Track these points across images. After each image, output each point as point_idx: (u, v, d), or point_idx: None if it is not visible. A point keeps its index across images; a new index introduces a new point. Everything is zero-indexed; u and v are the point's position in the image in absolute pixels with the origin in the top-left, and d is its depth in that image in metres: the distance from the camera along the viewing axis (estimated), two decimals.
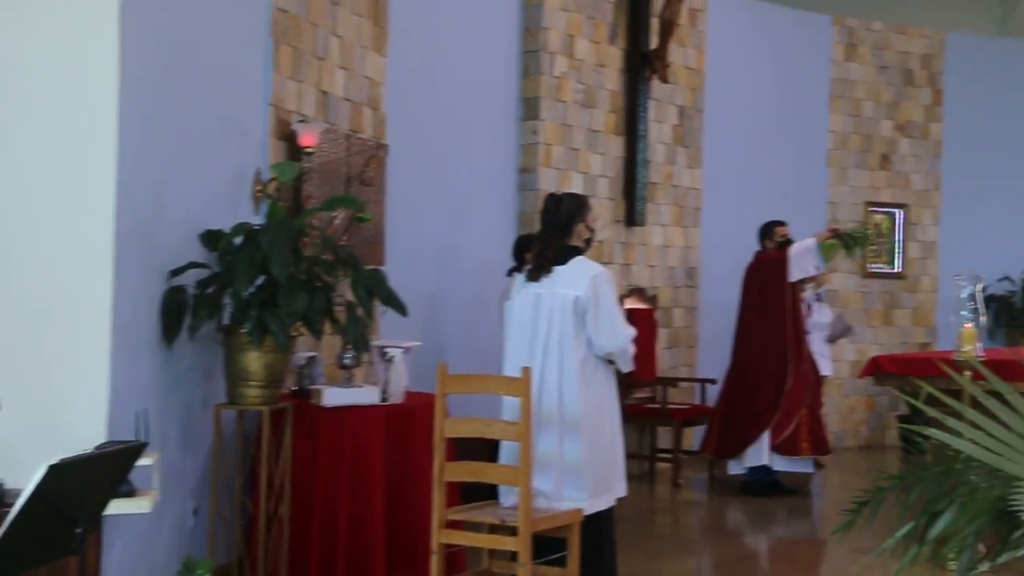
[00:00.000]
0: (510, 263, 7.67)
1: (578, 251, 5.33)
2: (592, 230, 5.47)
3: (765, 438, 8.74)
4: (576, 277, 5.21)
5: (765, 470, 8.84)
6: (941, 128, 12.35)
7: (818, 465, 10.08)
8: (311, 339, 5.37)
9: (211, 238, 5.03)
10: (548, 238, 5.31)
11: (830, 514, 8.47)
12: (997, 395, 3.10)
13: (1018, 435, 2.79)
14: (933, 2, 14.46)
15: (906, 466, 10.48)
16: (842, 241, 8.94)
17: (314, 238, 5.32)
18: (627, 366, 5.31)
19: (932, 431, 3.25)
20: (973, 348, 6.05)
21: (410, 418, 5.61)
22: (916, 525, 3.21)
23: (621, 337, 5.20)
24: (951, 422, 3.13)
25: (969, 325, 6.09)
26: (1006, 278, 12.48)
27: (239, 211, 5.46)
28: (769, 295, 8.81)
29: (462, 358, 7.61)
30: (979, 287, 6.16)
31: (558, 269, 5.26)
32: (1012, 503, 2.58)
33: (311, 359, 5.87)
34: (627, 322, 5.38)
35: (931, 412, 3.25)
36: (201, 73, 4.98)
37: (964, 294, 6.20)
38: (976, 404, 3.39)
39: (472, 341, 8.06)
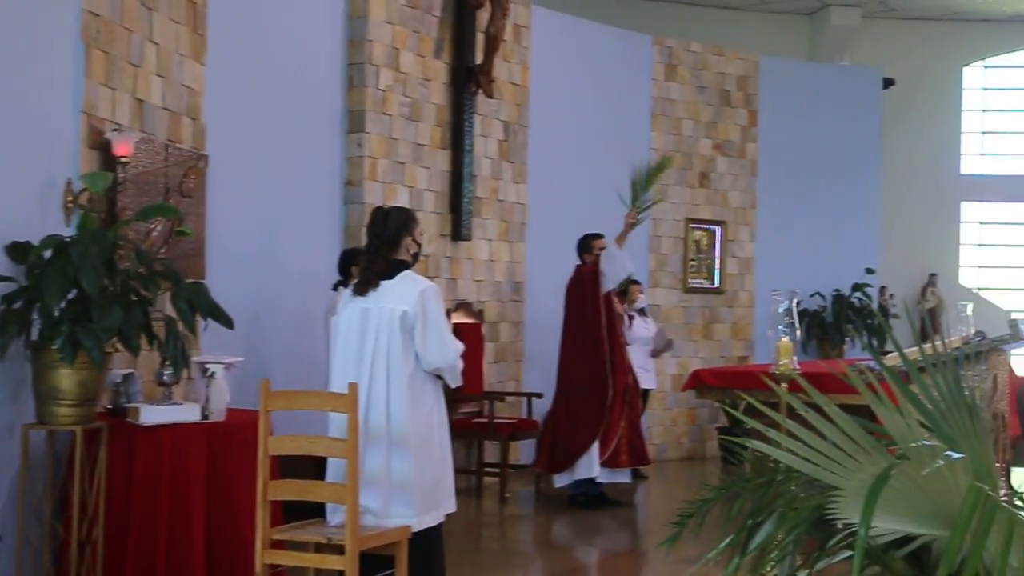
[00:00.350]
0: (336, 277, 7.59)
1: (405, 265, 5.30)
2: (419, 244, 5.44)
3: (594, 451, 8.85)
4: (404, 291, 5.17)
5: (590, 483, 8.95)
6: (756, 148, 12.79)
7: (640, 476, 10.28)
8: (127, 356, 5.18)
9: (18, 251, 4.81)
10: (375, 252, 5.26)
11: (654, 525, 8.63)
12: (815, 407, 3.19)
13: (834, 446, 2.88)
14: (747, 26, 15.02)
15: (726, 477, 10.77)
16: (634, 190, 9.06)
17: (128, 250, 5.14)
18: (455, 381, 5.29)
19: (753, 443, 3.32)
20: (790, 361, 6.25)
21: (232, 436, 5.47)
22: (738, 535, 3.27)
23: (449, 352, 5.19)
24: (771, 433, 3.20)
25: (785, 339, 6.28)
26: (817, 293, 13.02)
27: (48, 223, 5.23)
28: (588, 309, 8.95)
29: (287, 374, 7.50)
30: (794, 302, 6.37)
31: (385, 283, 5.21)
32: (829, 512, 2.66)
33: (127, 376, 5.65)
34: (455, 337, 5.37)
35: (751, 423, 3.33)
36: (6, 76, 4.75)
37: (780, 309, 6.40)
38: (794, 415, 3.48)
39: (297, 357, 7.93)
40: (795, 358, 6.35)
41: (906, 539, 2.65)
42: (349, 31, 8.69)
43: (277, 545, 4.86)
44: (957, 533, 2.25)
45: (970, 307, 7.45)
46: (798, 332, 6.34)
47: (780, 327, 6.37)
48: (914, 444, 2.72)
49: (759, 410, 5.36)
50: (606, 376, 8.87)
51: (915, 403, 2.88)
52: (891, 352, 13.56)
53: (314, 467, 5.62)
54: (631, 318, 10.10)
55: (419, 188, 9.21)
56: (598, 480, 8.94)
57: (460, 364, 5.26)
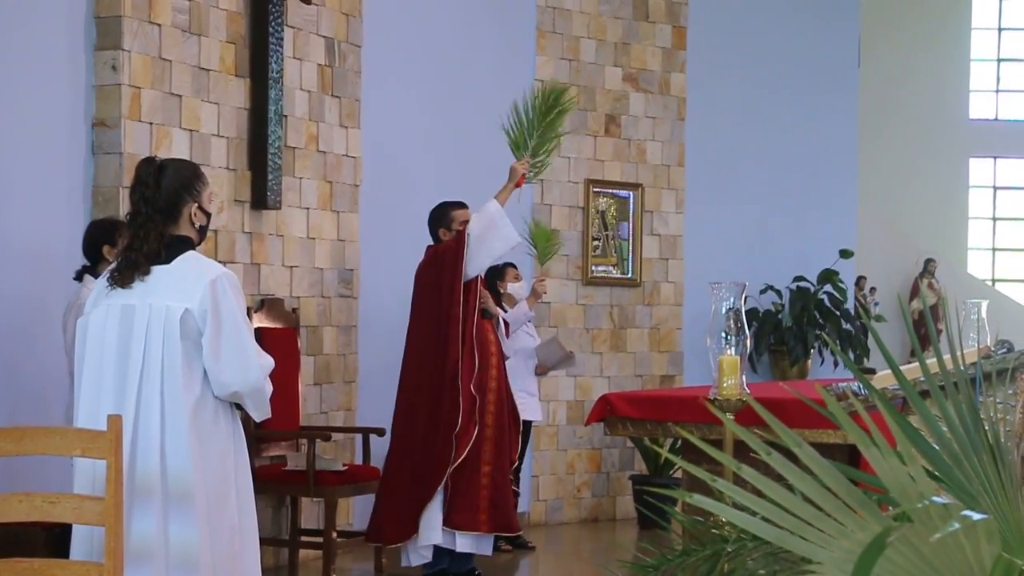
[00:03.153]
0: (81, 261, 7.49)
1: (188, 244, 5.27)
2: (208, 214, 5.41)
3: (434, 506, 8.84)
4: (186, 282, 5.14)
5: (460, 558, 8.98)
6: (685, 80, 12.95)
7: (522, 546, 10.35)
8: None
9: None
10: (144, 224, 5.20)
11: None
12: (779, 448, 3.24)
13: (808, 502, 2.92)
14: None
15: (649, 546, 10.89)
16: (523, 127, 9.18)
17: None
18: (262, 412, 5.28)
19: (692, 497, 3.32)
20: (737, 382, 6.33)
21: None
22: None
23: (253, 370, 5.17)
24: (718, 484, 3.22)
25: (731, 352, 6.37)
26: (769, 288, 13.26)
27: None
28: (443, 302, 8.94)
29: (5, 402, 7.37)
30: (743, 299, 6.45)
31: (159, 270, 5.17)
32: None
33: None
34: (260, 348, 5.35)
35: (690, 469, 3.35)
36: None
37: (724, 309, 6.47)
38: (749, 459, 3.51)
39: (18, 378, 7.84)
40: (744, 378, 6.45)
41: None
42: None
43: None
44: None
45: (984, 306, 7.66)
46: (748, 342, 6.43)
47: (723, 334, 6.46)
48: (921, 502, 2.78)
49: (700, 449, 5.44)
50: (457, 396, 8.84)
51: (918, 442, 2.95)
52: (880, 371, 13.87)
53: (45, 536, 5.51)
54: (507, 324, 10.12)
55: (204, 132, 9.10)
56: (457, 549, 8.94)
57: (269, 388, 5.25)
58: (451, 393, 8.88)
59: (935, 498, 2.78)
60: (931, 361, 3.13)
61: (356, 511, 10.18)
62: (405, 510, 8.92)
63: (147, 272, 5.17)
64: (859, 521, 2.78)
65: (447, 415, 8.86)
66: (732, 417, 6.37)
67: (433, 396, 8.93)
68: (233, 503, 5.21)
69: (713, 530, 3.47)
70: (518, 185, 9.10)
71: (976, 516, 2.63)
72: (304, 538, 9.53)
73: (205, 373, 5.13)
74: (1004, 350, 5.65)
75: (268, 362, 5.27)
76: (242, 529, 5.25)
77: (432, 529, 8.86)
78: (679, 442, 11.60)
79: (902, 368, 3.41)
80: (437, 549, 8.93)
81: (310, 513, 9.71)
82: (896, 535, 2.56)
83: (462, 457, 8.82)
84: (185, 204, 5.27)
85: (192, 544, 5.04)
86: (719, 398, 6.40)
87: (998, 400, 5.27)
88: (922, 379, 4.10)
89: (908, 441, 2.94)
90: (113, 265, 5.34)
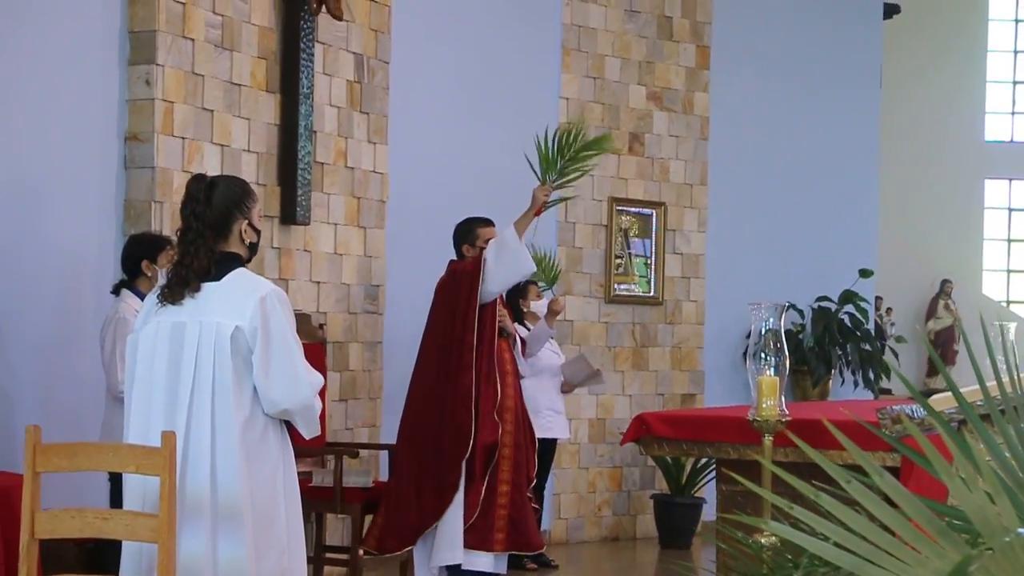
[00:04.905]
0: (113, 275, 7.49)
1: (239, 261, 5.26)
2: (258, 231, 5.44)
3: (453, 524, 8.80)
4: (236, 299, 5.13)
5: (453, 571, 8.93)
6: (708, 99, 12.95)
7: (546, 565, 10.33)
8: None
9: None
10: (195, 241, 5.20)
11: None
12: (856, 470, 3.21)
13: (884, 529, 2.91)
14: None
15: (672, 566, 10.89)
16: (548, 156, 8.99)
17: None
18: (311, 430, 5.27)
19: (772, 524, 3.29)
20: (776, 403, 6.33)
21: None
22: None
23: (303, 387, 5.16)
24: (796, 511, 3.19)
25: (770, 372, 6.36)
26: (791, 306, 13.23)
27: None
28: (456, 327, 8.90)
29: (39, 417, 7.35)
30: (782, 319, 6.46)
31: (209, 287, 5.16)
32: None
33: None
34: (310, 366, 5.34)
35: (768, 497, 3.30)
36: None
37: (763, 329, 6.47)
38: (819, 485, 3.48)
39: (52, 392, 7.80)
40: (783, 399, 6.45)
41: None
42: None
43: None
44: None
45: (1013, 328, 7.65)
46: (787, 363, 6.43)
47: (763, 355, 6.45)
48: (1007, 535, 2.77)
49: (733, 471, 5.44)
50: (469, 419, 8.79)
51: (986, 468, 2.94)
52: (895, 392, 13.90)
53: (76, 551, 5.50)
54: (523, 342, 10.11)
55: (235, 147, 9.10)
56: (465, 567, 8.91)
57: (318, 405, 5.25)
58: (461, 410, 8.84)
59: (1021, 530, 2.77)
60: (973, 388, 3.11)
61: None
62: (400, 521, 8.86)
63: (197, 289, 5.16)
64: (937, 550, 2.77)
65: (456, 432, 8.81)
66: (771, 439, 6.38)
67: (440, 410, 8.86)
68: (282, 521, 5.19)
69: (769, 555, 3.46)
70: (538, 213, 9.06)
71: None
72: (329, 555, 9.50)
73: (255, 391, 5.12)
74: None
75: (318, 379, 5.27)
76: (290, 547, 5.24)
77: (449, 547, 8.83)
78: (700, 462, 11.59)
79: (965, 392, 3.40)
80: (452, 569, 8.90)
81: (335, 529, 9.69)
82: (978, 564, 2.55)
83: (481, 480, 8.81)
84: (236, 221, 5.28)
85: (240, 562, 5.02)
86: (758, 419, 6.39)
87: None
88: (979, 403, 4.10)
89: (975, 466, 2.94)
90: (163, 281, 5.33)
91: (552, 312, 10.29)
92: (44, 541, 4.98)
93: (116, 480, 6.06)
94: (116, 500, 5.96)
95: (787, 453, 6.55)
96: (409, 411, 9.10)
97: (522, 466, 9.16)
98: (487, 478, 8.84)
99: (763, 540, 5.90)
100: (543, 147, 9.09)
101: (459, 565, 8.86)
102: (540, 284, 10.52)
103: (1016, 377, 3.29)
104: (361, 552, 9.08)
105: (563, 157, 9.06)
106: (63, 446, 4.96)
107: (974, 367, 3.51)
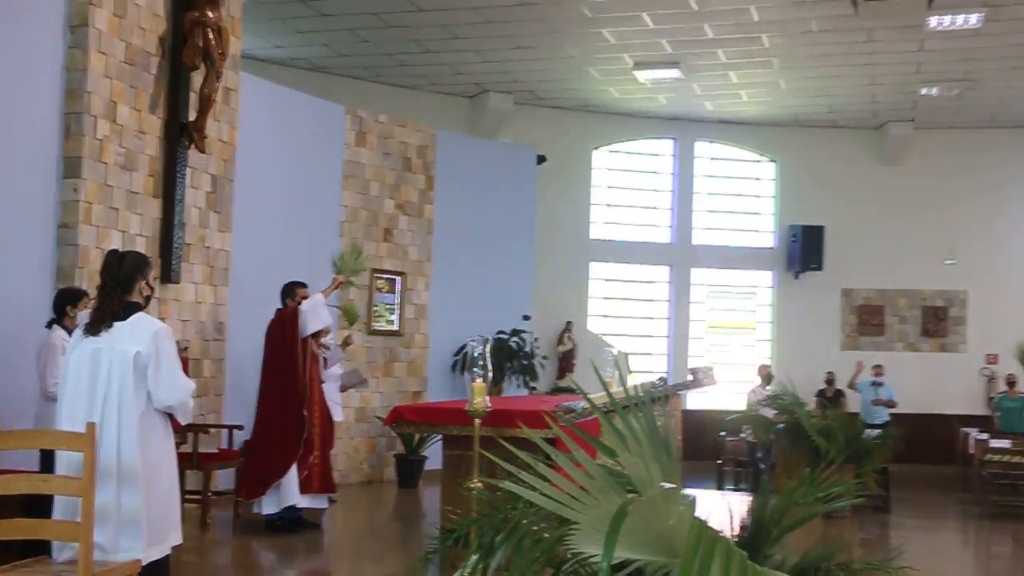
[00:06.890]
0: (49, 315, 6.94)
1: (138, 307, 4.88)
2: (152, 288, 5.06)
3: (294, 479, 8.53)
4: (137, 332, 4.75)
5: (289, 508, 8.61)
6: (433, 209, 12.88)
7: (330, 500, 10.00)
8: None
9: None
10: (109, 293, 4.81)
11: (342, 546, 8.42)
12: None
13: (572, 482, 2.80)
14: (425, 103, 15.16)
15: (405, 498, 10.64)
16: (342, 261, 9.25)
17: None
18: (186, 418, 4.92)
19: (505, 483, 3.12)
20: (483, 400, 6.23)
21: None
22: (477, 561, 3.15)
23: (181, 391, 4.81)
24: (523, 475, 3.02)
25: (479, 380, 6.27)
26: (488, 339, 13.21)
27: None
28: (288, 350, 8.65)
29: None
30: (487, 347, 6.36)
31: (119, 325, 4.77)
32: (567, 543, 2.62)
33: None
34: (186, 376, 4.98)
35: (523, 457, 3.08)
36: None
37: (476, 353, 6.38)
38: (493, 450, 3.30)
39: (7, 393, 7.17)
40: (487, 397, 6.34)
41: (623, 563, 2.61)
42: (68, 81, 7.99)
43: None
44: (687, 566, 2.23)
45: (616, 350, 7.75)
46: (489, 374, 6.33)
47: (475, 369, 6.35)
48: (656, 487, 2.68)
49: (456, 440, 5.19)
50: (302, 412, 8.58)
51: (622, 441, 2.86)
52: (538, 389, 13.89)
53: (23, 503, 5.01)
54: (326, 360, 9.82)
55: (131, 233, 8.57)
56: (299, 506, 8.63)
57: (191, 402, 4.89)
58: (297, 407, 8.56)
59: (665, 484, 2.69)
60: (618, 389, 3.00)
61: (221, 478, 9.67)
62: (258, 477, 8.54)
63: (111, 326, 4.77)
64: (607, 496, 2.67)
65: (295, 421, 8.55)
66: (479, 422, 6.23)
67: (284, 407, 8.59)
68: (165, 478, 4.82)
69: (509, 504, 3.31)
70: (337, 287, 8.97)
71: (669, 487, 2.57)
72: (188, 496, 8.96)
73: (149, 394, 4.74)
74: (661, 383, 5.71)
75: (191, 385, 4.92)
76: (170, 496, 4.86)
77: (292, 493, 8.51)
78: (425, 436, 11.40)
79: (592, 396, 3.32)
80: (289, 508, 8.57)
81: (192, 479, 9.17)
82: (633, 506, 2.46)
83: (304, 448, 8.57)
84: (137, 282, 4.89)
85: (136, 509, 4.64)
86: (471, 409, 6.26)
87: (660, 413, 5.30)
88: (606, 404, 4.09)
89: (620, 440, 2.86)
90: (85, 320, 4.90)
91: (346, 343, 10.05)
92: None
93: (46, 455, 5.52)
94: (46, 468, 5.42)
95: (488, 432, 6.43)
96: (260, 409, 8.81)
97: (328, 438, 8.95)
98: (306, 447, 8.59)
99: (472, 487, 5.77)
100: (341, 258, 9.14)
101: (294, 504, 8.51)
102: (346, 320, 10.31)
103: (624, 380, 3.21)
104: (210, 494, 8.65)
105: (347, 265, 9.02)
106: (15, 433, 4.51)
107: (597, 375, 3.45)
